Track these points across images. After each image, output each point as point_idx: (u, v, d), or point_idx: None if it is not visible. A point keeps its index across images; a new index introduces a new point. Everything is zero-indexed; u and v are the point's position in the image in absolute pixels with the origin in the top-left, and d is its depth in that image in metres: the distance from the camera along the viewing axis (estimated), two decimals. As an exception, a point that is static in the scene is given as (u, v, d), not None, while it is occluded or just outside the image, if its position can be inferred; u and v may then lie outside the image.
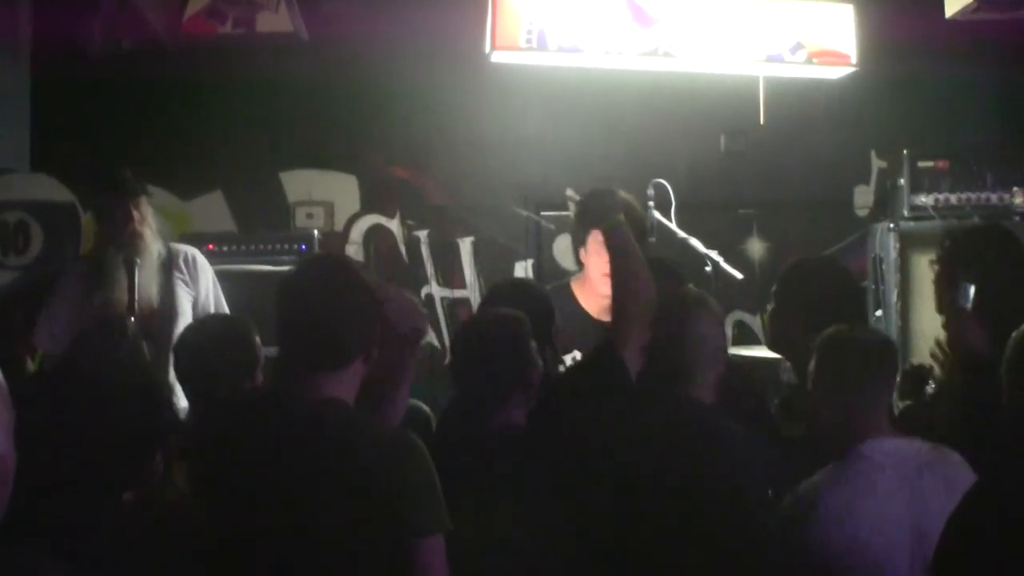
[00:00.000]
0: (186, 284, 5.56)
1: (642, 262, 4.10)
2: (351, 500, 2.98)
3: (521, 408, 3.78)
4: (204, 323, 4.79)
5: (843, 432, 3.47)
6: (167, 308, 5.43)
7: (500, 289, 4.66)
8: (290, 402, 3.11)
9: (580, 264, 5.50)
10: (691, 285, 4.58)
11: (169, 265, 5.54)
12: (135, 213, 5.42)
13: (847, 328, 3.63)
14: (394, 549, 2.99)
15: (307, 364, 3.11)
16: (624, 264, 4.09)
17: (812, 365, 3.55)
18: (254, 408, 3.32)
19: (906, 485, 3.36)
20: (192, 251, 5.71)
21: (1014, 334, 2.95)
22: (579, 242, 5.43)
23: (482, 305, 4.57)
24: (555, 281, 5.77)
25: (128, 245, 5.39)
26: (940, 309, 4.51)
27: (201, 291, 5.60)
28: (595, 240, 5.32)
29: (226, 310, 5.66)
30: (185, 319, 5.42)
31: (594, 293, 5.32)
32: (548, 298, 4.37)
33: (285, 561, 2.97)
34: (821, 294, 4.12)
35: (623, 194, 5.39)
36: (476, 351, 3.84)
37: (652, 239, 5.74)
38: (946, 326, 4.18)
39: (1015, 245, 4.45)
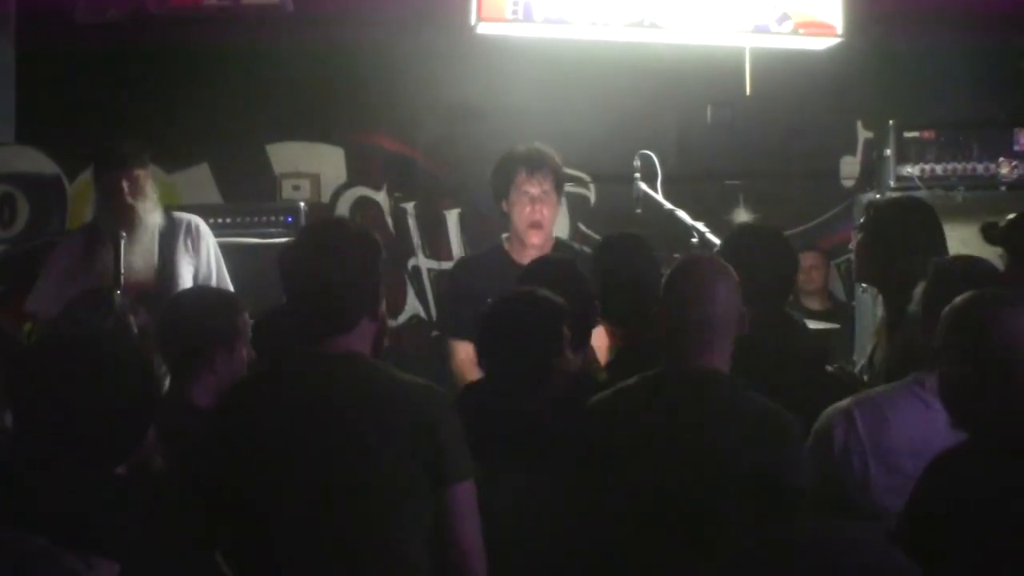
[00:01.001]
0: (188, 254, 5.54)
1: None
2: (391, 445, 3.02)
3: (544, 395, 3.72)
4: (184, 295, 4.76)
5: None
6: (166, 279, 5.42)
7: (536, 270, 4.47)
8: (313, 358, 3.15)
9: (504, 215, 5.45)
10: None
11: (170, 235, 5.52)
12: (124, 185, 5.38)
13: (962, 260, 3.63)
14: (432, 493, 3.04)
15: (315, 328, 3.15)
16: None
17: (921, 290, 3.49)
18: (277, 369, 3.35)
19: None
20: (195, 220, 5.69)
21: (945, 311, 2.94)
22: (501, 194, 5.39)
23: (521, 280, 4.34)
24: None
25: (121, 217, 5.37)
26: (860, 278, 4.92)
27: (202, 261, 5.59)
28: (517, 190, 5.31)
29: (227, 279, 5.64)
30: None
31: (523, 245, 5.32)
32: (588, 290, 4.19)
33: (329, 508, 3.01)
34: (761, 264, 4.13)
35: (541, 147, 5.39)
36: (506, 331, 3.75)
37: (639, 211, 5.75)
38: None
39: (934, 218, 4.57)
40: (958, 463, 2.89)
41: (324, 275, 3.14)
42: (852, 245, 4.64)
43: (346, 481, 3.01)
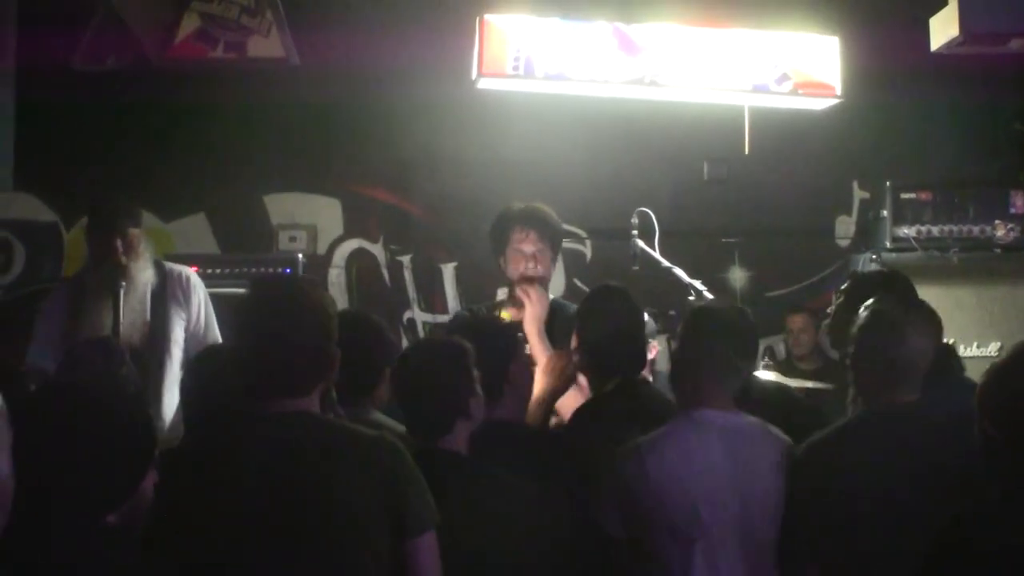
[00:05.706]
0: (180, 307, 5.49)
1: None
2: (347, 504, 2.99)
3: (463, 434, 3.68)
4: (212, 351, 4.67)
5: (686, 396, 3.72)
6: (158, 334, 5.37)
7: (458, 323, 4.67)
8: (265, 417, 3.08)
9: (503, 272, 5.41)
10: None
11: (162, 290, 5.47)
12: (118, 244, 5.30)
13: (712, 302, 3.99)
14: (391, 549, 3.02)
15: (273, 391, 3.09)
16: None
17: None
18: (230, 426, 3.27)
19: (731, 453, 3.61)
20: (187, 272, 5.62)
21: (988, 369, 2.95)
22: (498, 251, 5.35)
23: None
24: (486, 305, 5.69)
25: (112, 273, 5.31)
26: (835, 345, 5.37)
27: (193, 313, 5.53)
28: (512, 247, 5.28)
29: (217, 331, 5.59)
30: (177, 344, 5.38)
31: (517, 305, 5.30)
32: (509, 335, 4.27)
33: (291, 563, 2.96)
34: (611, 330, 4.29)
35: (538, 205, 5.37)
36: (416, 376, 3.70)
37: (636, 268, 5.74)
38: None
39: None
40: (994, 511, 2.88)
41: (270, 343, 3.08)
42: (830, 310, 4.73)
43: (309, 536, 2.97)
